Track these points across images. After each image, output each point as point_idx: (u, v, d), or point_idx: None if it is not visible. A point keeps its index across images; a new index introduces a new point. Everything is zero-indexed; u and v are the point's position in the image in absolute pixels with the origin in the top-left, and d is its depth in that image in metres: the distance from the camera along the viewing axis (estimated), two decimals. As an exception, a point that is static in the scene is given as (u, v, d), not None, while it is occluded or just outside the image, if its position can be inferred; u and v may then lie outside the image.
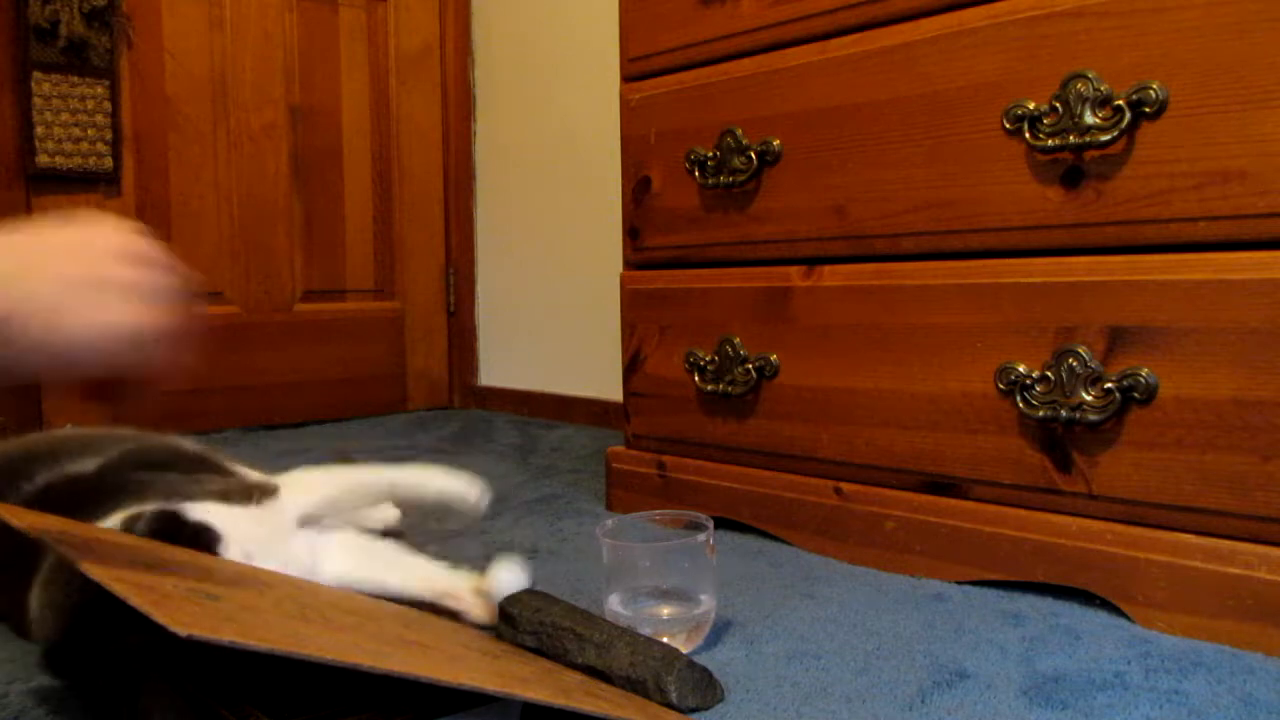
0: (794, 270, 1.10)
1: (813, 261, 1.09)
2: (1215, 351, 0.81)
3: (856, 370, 1.05)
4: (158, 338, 0.51)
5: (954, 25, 0.96)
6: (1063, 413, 0.88)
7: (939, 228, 0.98)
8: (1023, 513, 0.93)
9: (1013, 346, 0.93)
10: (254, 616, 0.55)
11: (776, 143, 1.10)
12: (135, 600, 0.47)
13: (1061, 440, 0.90)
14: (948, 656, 0.79)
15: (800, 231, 1.09)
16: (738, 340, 1.15)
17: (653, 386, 1.26)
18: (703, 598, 0.82)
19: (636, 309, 1.27)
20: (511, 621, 0.78)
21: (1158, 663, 0.76)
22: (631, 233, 1.28)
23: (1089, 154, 0.87)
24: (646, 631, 0.76)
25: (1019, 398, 0.92)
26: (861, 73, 1.03)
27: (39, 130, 1.82)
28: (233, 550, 0.74)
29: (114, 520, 0.74)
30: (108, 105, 1.89)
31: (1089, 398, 0.87)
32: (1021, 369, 0.92)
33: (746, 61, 1.13)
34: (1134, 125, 0.84)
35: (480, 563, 0.88)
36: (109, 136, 1.89)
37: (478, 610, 0.84)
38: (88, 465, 0.85)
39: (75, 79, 1.85)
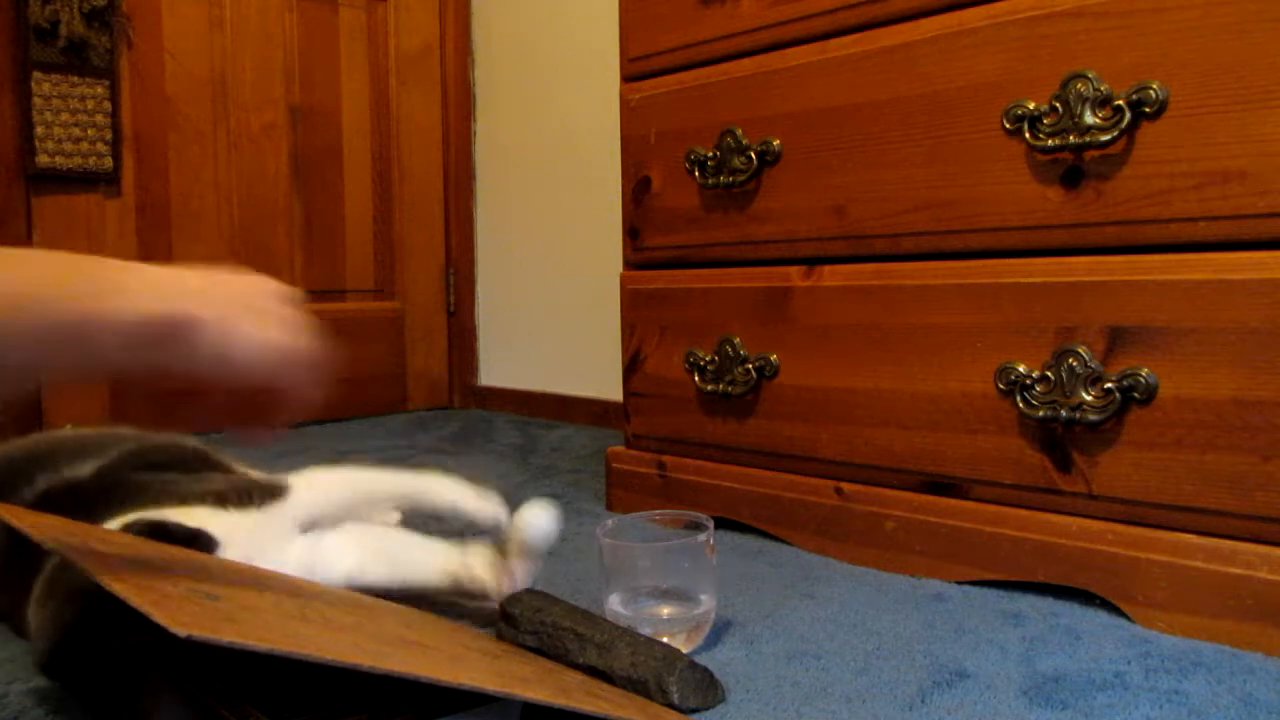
0: (794, 270, 1.10)
1: (813, 261, 1.09)
2: (1215, 351, 0.81)
3: (856, 370, 1.05)
4: (306, 364, 0.60)
5: (954, 25, 0.96)
6: (1063, 413, 0.88)
7: (939, 228, 0.98)
8: (1023, 513, 0.93)
9: (1013, 346, 0.93)
10: (254, 616, 0.55)
11: (776, 143, 1.10)
12: (135, 600, 0.47)
13: (1061, 440, 0.90)
14: (948, 656, 0.79)
15: (800, 231, 1.09)
16: (738, 340, 1.15)
17: (653, 386, 1.26)
18: (703, 598, 0.82)
19: (636, 309, 1.27)
20: (512, 621, 0.78)
21: (1158, 663, 0.76)
22: (631, 233, 1.28)
23: (1089, 154, 0.87)
24: (647, 631, 0.76)
25: (1019, 398, 0.92)
26: (861, 73, 1.03)
27: (39, 130, 1.82)
28: (230, 555, 0.74)
29: (109, 527, 0.74)
30: (108, 105, 1.89)
31: (1089, 398, 0.87)
32: (1021, 369, 0.92)
33: (746, 61, 1.13)
34: (1134, 125, 0.84)
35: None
36: (109, 136, 1.89)
37: (494, 581, 0.82)
38: (85, 468, 0.85)
39: (75, 79, 1.85)
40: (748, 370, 1.14)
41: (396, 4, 2.28)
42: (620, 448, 1.32)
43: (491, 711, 0.61)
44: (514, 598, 0.80)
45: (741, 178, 1.12)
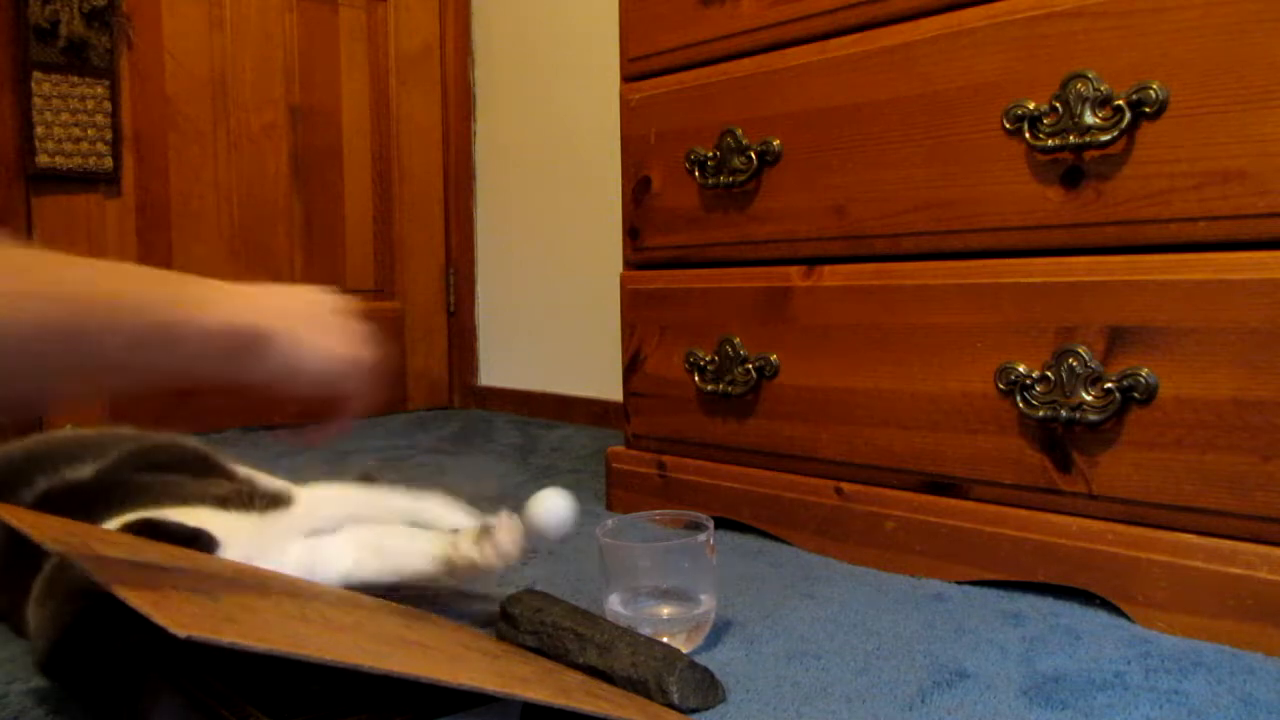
0: (794, 270, 1.10)
1: (813, 261, 1.09)
2: (1215, 351, 0.81)
3: (856, 370, 1.05)
4: (363, 371, 0.66)
5: (954, 25, 0.96)
6: (1063, 413, 0.88)
7: (939, 228, 0.98)
8: (1023, 513, 0.93)
9: (1013, 346, 0.93)
10: (254, 617, 0.55)
11: (776, 143, 1.10)
12: (135, 601, 0.47)
13: (1061, 440, 0.90)
14: (948, 656, 0.79)
15: (800, 231, 1.09)
16: (738, 340, 1.15)
17: (653, 386, 1.26)
18: (703, 598, 0.82)
19: (636, 309, 1.27)
20: (512, 621, 0.78)
21: (1158, 663, 0.77)
22: (631, 233, 1.28)
23: (1089, 154, 0.87)
24: (647, 631, 0.76)
25: (1019, 398, 0.92)
26: (861, 73, 1.03)
27: (39, 130, 1.82)
28: (230, 556, 0.74)
29: (108, 526, 0.74)
30: (108, 105, 1.89)
31: (1089, 398, 0.87)
32: (1021, 369, 0.92)
33: (746, 61, 1.13)
34: (1134, 125, 0.84)
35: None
36: (109, 136, 1.90)
37: (480, 555, 0.81)
38: (86, 469, 0.85)
39: (75, 79, 1.85)
40: (748, 370, 1.14)
41: (396, 4, 2.28)
42: (620, 448, 1.32)
43: (491, 711, 0.61)
44: (514, 598, 0.80)
45: (741, 178, 1.12)
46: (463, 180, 2.39)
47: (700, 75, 1.18)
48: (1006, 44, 0.92)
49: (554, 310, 2.20)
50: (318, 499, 0.88)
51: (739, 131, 1.13)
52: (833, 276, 1.07)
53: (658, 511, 0.96)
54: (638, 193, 1.26)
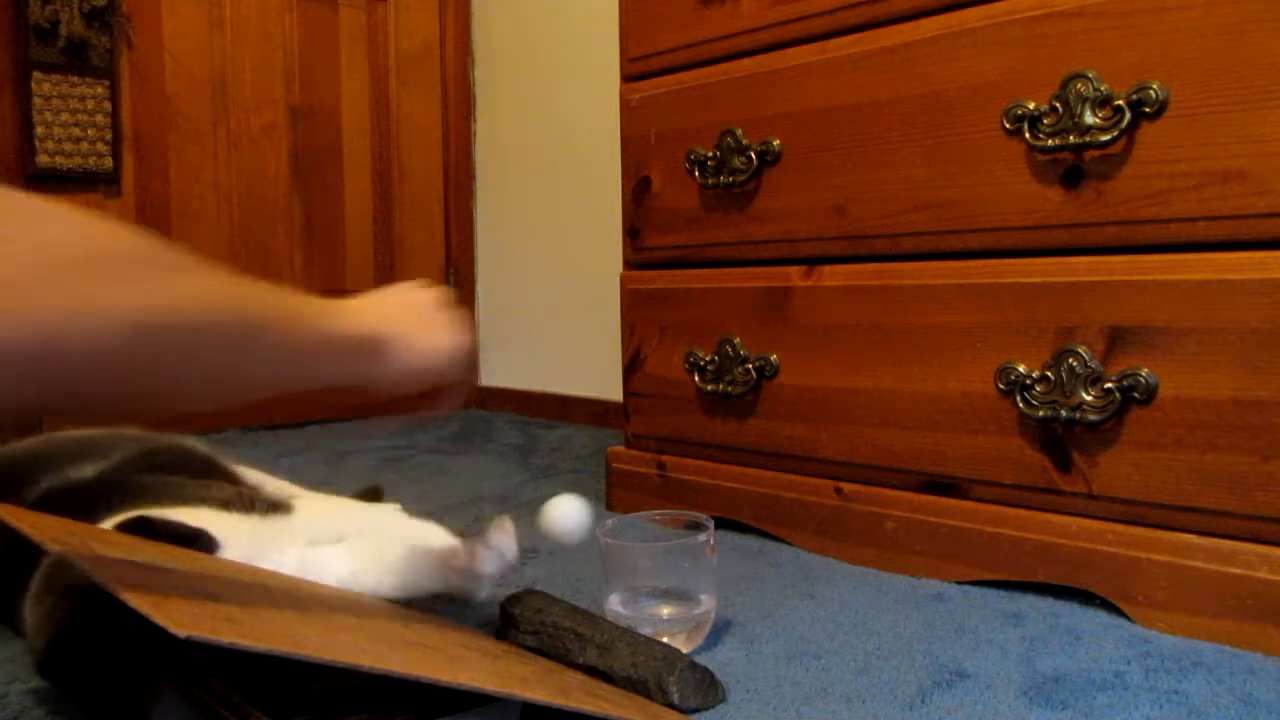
0: (794, 270, 1.10)
1: (813, 261, 1.09)
2: (1215, 351, 0.81)
3: (856, 370, 1.05)
4: (464, 358, 0.71)
5: (954, 25, 0.96)
6: (1063, 413, 0.88)
7: (939, 228, 0.98)
8: (1023, 513, 0.93)
9: (1013, 346, 0.93)
10: (254, 617, 0.55)
11: (776, 143, 1.10)
12: (135, 601, 0.47)
13: (1061, 440, 0.90)
14: (948, 656, 0.79)
15: (800, 231, 1.09)
16: (738, 340, 1.15)
17: (653, 386, 1.26)
18: (703, 598, 0.82)
19: (636, 309, 1.27)
20: (512, 621, 0.78)
21: (1158, 663, 0.77)
22: (631, 233, 1.28)
23: (1089, 154, 0.87)
24: (647, 631, 0.76)
25: (1019, 398, 0.92)
26: (861, 73, 1.03)
27: (39, 130, 1.82)
28: (229, 558, 0.74)
29: (105, 525, 0.74)
30: (108, 105, 1.89)
31: (1089, 398, 0.87)
32: (1021, 369, 0.92)
33: (746, 61, 1.13)
34: (1134, 125, 0.84)
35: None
36: (109, 136, 1.90)
37: (476, 561, 0.81)
38: (89, 469, 0.85)
39: (75, 79, 1.85)
40: (748, 370, 1.14)
41: (396, 4, 2.28)
42: (620, 448, 1.32)
43: (491, 711, 0.61)
44: (514, 598, 0.80)
45: (741, 178, 1.12)
46: (463, 180, 2.39)
47: (700, 75, 1.18)
48: (1006, 44, 0.92)
49: (554, 310, 2.20)
50: (317, 511, 0.88)
51: (739, 131, 1.13)
52: (833, 276, 1.07)
53: (658, 511, 0.96)
54: (638, 193, 1.26)
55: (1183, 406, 0.83)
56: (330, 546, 0.83)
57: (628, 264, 1.29)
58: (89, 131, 1.87)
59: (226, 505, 0.80)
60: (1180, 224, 0.83)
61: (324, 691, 0.60)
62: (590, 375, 2.08)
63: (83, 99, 1.86)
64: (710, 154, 1.16)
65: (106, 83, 1.88)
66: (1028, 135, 0.90)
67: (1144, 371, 0.84)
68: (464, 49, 2.37)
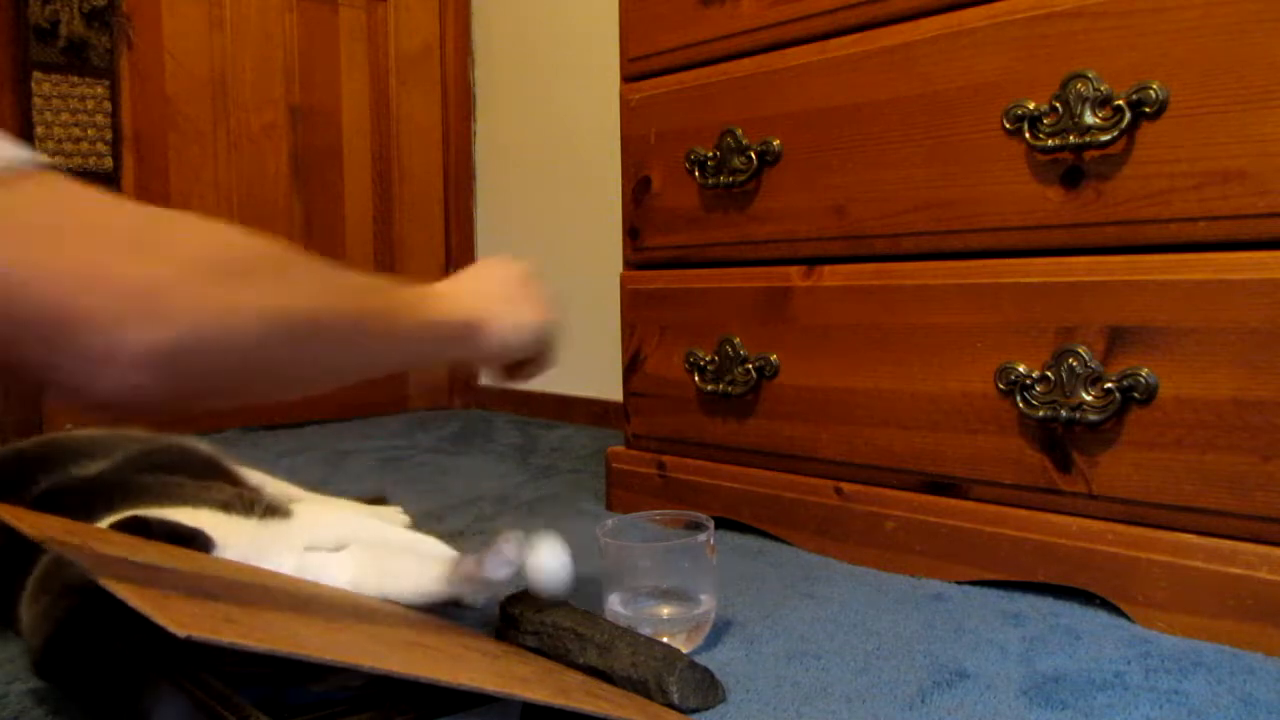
0: (794, 270, 1.10)
1: (813, 261, 1.09)
2: (1215, 351, 0.81)
3: (856, 370, 1.05)
4: (553, 332, 0.76)
5: (954, 25, 0.96)
6: (1063, 413, 0.88)
7: (939, 228, 0.98)
8: (1023, 513, 0.93)
9: (1013, 346, 0.93)
10: (254, 617, 0.55)
11: (776, 143, 1.10)
12: (135, 601, 0.47)
13: (1061, 440, 0.90)
14: (948, 656, 0.79)
15: (800, 231, 1.09)
16: (738, 340, 1.15)
17: (653, 386, 1.26)
18: (703, 598, 0.82)
19: (636, 309, 1.27)
20: (512, 621, 0.78)
21: (1158, 663, 0.77)
22: (631, 233, 1.28)
23: (1089, 154, 0.87)
24: (647, 631, 0.76)
25: (1019, 398, 0.92)
26: (861, 73, 1.03)
27: (39, 130, 1.82)
28: (228, 558, 0.74)
29: (103, 525, 0.74)
30: (108, 105, 1.89)
31: (1089, 398, 0.87)
32: (1021, 369, 0.92)
33: (746, 61, 1.13)
34: (1134, 125, 0.84)
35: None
36: (109, 136, 1.90)
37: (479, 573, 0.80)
38: (89, 469, 0.85)
39: (75, 79, 1.85)
40: (748, 370, 1.14)
41: (396, 4, 2.28)
42: (620, 448, 1.32)
43: (491, 711, 0.61)
44: (514, 598, 0.80)
45: (741, 178, 1.12)
46: (463, 180, 2.39)
47: (700, 75, 1.18)
48: (1006, 44, 0.92)
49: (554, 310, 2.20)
50: (318, 515, 0.88)
51: (739, 131, 1.13)
52: (833, 276, 1.07)
53: (658, 511, 0.96)
54: (638, 193, 1.26)
55: (1183, 406, 0.83)
56: (330, 553, 0.83)
57: (628, 264, 1.29)
58: (89, 132, 1.87)
59: (226, 507, 0.80)
60: (1180, 224, 0.83)
61: (324, 691, 0.60)
62: (590, 375, 2.08)
63: (83, 99, 1.86)
64: (710, 154, 1.16)
65: (106, 83, 1.88)
66: (1028, 135, 0.90)
67: (1144, 371, 0.84)
68: (464, 49, 2.37)
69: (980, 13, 0.94)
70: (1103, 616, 0.87)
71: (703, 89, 1.17)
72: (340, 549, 0.83)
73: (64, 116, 1.84)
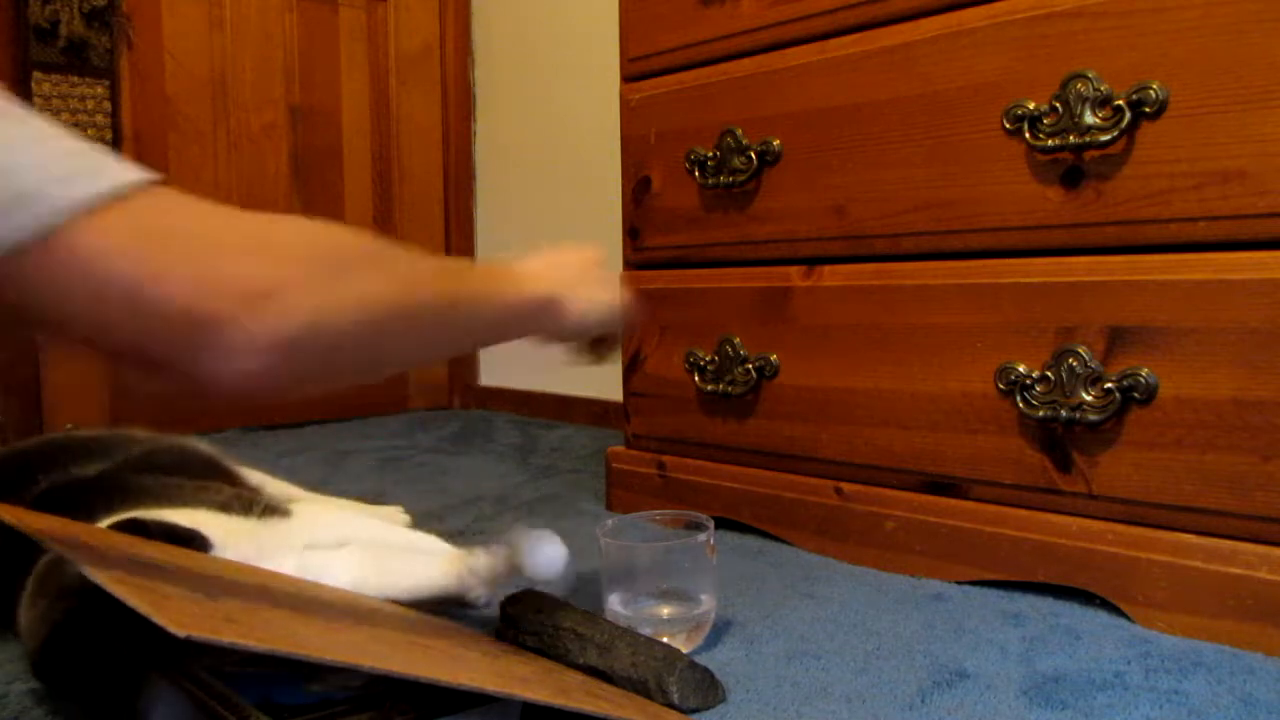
0: (794, 270, 1.10)
1: (813, 261, 1.09)
2: (1215, 351, 0.81)
3: (856, 370, 1.05)
4: (624, 311, 0.82)
5: (954, 25, 0.96)
6: (1063, 413, 0.88)
7: (939, 228, 0.98)
8: (1023, 513, 0.93)
9: (1013, 346, 0.93)
10: (254, 616, 0.55)
11: (776, 143, 1.10)
12: (135, 601, 0.47)
13: (1061, 440, 0.90)
14: (948, 656, 0.79)
15: (800, 231, 1.09)
16: (738, 340, 1.15)
17: (653, 386, 1.26)
18: (703, 598, 0.82)
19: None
20: (512, 621, 0.78)
21: (1158, 663, 0.77)
22: (631, 233, 1.28)
23: (1089, 154, 0.87)
24: (647, 631, 0.76)
25: (1019, 398, 0.92)
26: (861, 73, 1.03)
27: (39, 130, 1.82)
28: (228, 557, 0.74)
29: (102, 526, 0.74)
30: (108, 105, 1.89)
31: (1089, 398, 0.87)
32: (1021, 369, 0.92)
33: (746, 61, 1.13)
34: (1134, 125, 0.84)
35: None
36: (109, 136, 1.89)
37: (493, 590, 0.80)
38: (89, 470, 0.85)
39: (75, 79, 1.85)
40: (748, 370, 1.14)
41: (396, 4, 2.28)
42: (620, 448, 1.32)
43: (491, 711, 0.61)
44: (514, 598, 0.80)
45: (741, 178, 1.12)
46: (463, 180, 2.39)
47: (700, 75, 1.18)
48: (1006, 44, 0.92)
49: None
50: (318, 515, 0.88)
51: (739, 131, 1.13)
52: (833, 276, 1.07)
53: (658, 511, 0.96)
54: (638, 193, 1.26)
55: (1183, 406, 0.83)
56: (332, 552, 0.83)
57: (628, 264, 1.29)
58: (89, 131, 1.87)
59: (225, 507, 0.80)
60: (1180, 224, 0.83)
61: (324, 691, 0.60)
62: (590, 375, 2.08)
63: (83, 99, 1.86)
64: (710, 154, 1.16)
65: (106, 83, 1.88)
66: (1028, 135, 0.90)
67: (1144, 371, 0.84)
68: (464, 49, 2.37)
69: (980, 13, 0.94)
70: (1103, 616, 0.87)
71: (703, 89, 1.17)
72: (341, 548, 0.83)
73: (64, 117, 1.84)
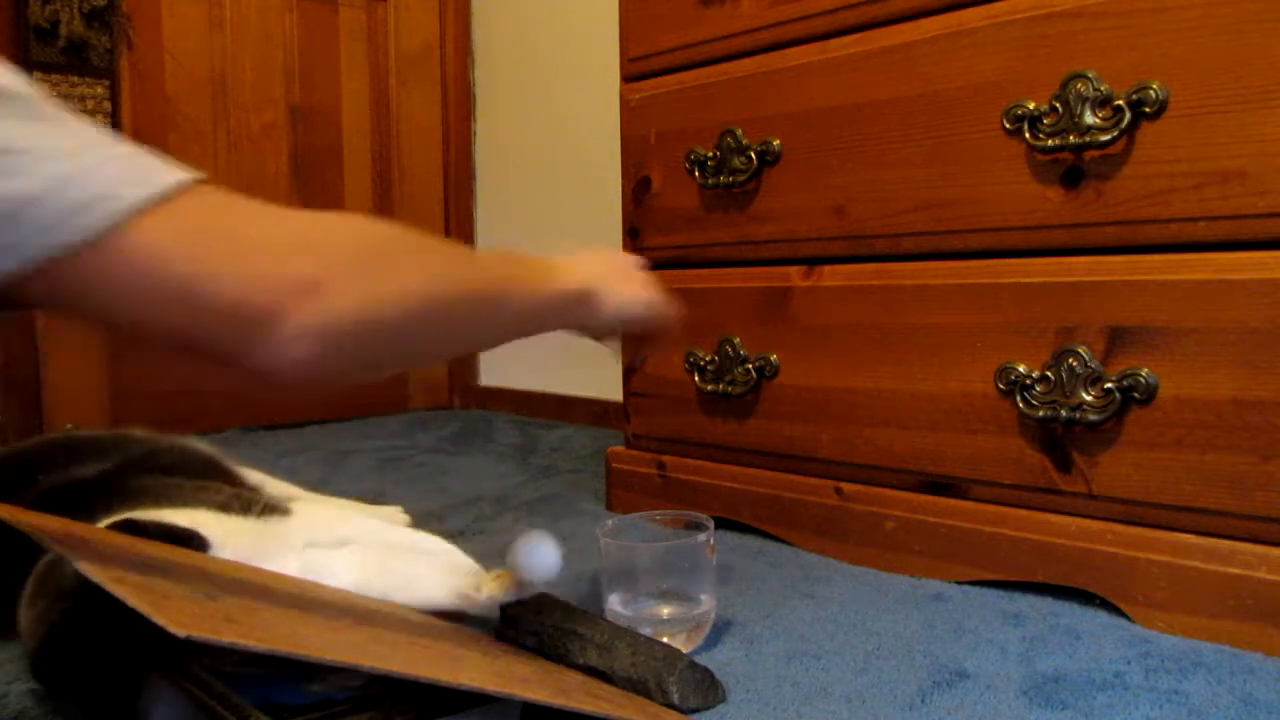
0: (794, 270, 1.10)
1: (813, 261, 1.09)
2: (1215, 351, 0.81)
3: (856, 370, 1.05)
4: (664, 311, 0.83)
5: (954, 25, 0.96)
6: (1063, 413, 0.88)
7: (939, 228, 0.98)
8: (1023, 513, 0.93)
9: (1013, 346, 0.93)
10: (254, 616, 0.55)
11: (776, 143, 1.10)
12: (135, 601, 0.47)
13: (1061, 440, 0.90)
14: (948, 656, 0.79)
15: (800, 231, 1.09)
16: (738, 340, 1.15)
17: (653, 386, 1.26)
18: (703, 598, 0.82)
19: (636, 309, 1.27)
20: (512, 622, 0.78)
21: (1158, 663, 0.77)
22: (631, 233, 1.28)
23: (1089, 154, 0.87)
24: (647, 631, 0.76)
25: (1019, 398, 0.92)
26: (861, 73, 1.03)
27: (39, 130, 1.82)
28: (229, 557, 0.74)
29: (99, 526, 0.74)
30: (108, 105, 1.89)
31: (1089, 398, 0.87)
32: (1021, 369, 0.92)
33: (746, 61, 1.13)
34: (1134, 125, 0.84)
35: (485, 562, 0.88)
36: (109, 136, 1.89)
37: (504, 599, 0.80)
38: (89, 470, 0.85)
39: (75, 79, 1.85)
40: (748, 370, 1.14)
41: (396, 4, 2.28)
42: (620, 448, 1.32)
43: (491, 711, 0.61)
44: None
45: (741, 178, 1.12)
46: (463, 180, 2.39)
47: (700, 75, 1.18)
48: (1006, 44, 0.92)
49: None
50: (318, 515, 0.88)
51: (739, 131, 1.13)
52: (833, 276, 1.07)
53: (658, 511, 0.96)
54: (638, 193, 1.26)
55: (1183, 406, 0.83)
56: (335, 553, 0.82)
57: (628, 264, 1.29)
58: (89, 131, 1.87)
59: (224, 507, 0.80)
60: (1180, 224, 0.83)
61: (324, 691, 0.60)
62: (590, 375, 2.08)
63: (83, 99, 1.86)
64: (710, 154, 1.16)
65: (106, 83, 1.88)
66: (1028, 135, 0.90)
67: (1144, 371, 0.84)
68: (464, 49, 2.37)
69: (980, 13, 0.94)
70: (1103, 616, 0.87)
71: (703, 89, 1.17)
72: (343, 548, 0.83)
73: (64, 116, 1.84)
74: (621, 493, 1.31)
